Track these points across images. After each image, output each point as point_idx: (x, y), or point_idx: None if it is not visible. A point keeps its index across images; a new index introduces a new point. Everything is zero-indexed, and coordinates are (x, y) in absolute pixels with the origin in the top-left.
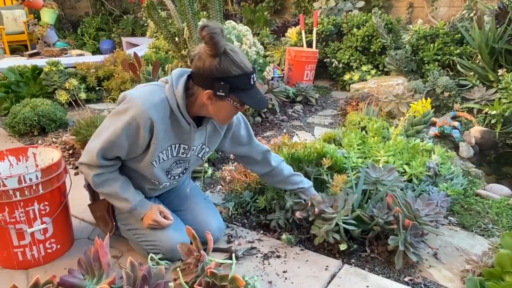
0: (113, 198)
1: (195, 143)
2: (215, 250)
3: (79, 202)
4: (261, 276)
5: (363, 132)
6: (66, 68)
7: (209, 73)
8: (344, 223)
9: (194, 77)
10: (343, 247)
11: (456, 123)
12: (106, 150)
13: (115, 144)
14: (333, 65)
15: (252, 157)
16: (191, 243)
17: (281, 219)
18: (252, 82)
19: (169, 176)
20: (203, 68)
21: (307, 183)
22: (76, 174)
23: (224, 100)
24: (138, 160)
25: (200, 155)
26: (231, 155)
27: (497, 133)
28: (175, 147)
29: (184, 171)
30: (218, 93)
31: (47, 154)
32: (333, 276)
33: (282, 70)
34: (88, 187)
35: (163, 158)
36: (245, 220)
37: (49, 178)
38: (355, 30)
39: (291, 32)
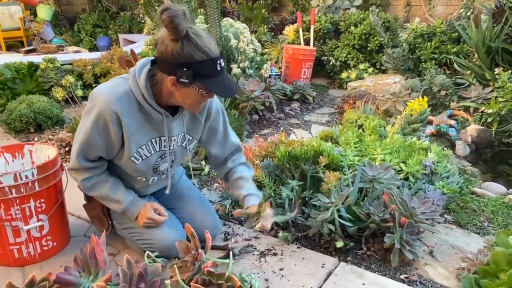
0: (105, 200)
1: (174, 133)
2: (212, 247)
3: (75, 199)
4: (258, 273)
5: (360, 130)
6: (62, 65)
7: (171, 59)
8: (339, 217)
9: (158, 62)
10: (339, 244)
11: (452, 122)
12: (84, 152)
13: (90, 145)
14: (331, 63)
15: (222, 156)
16: (189, 240)
17: (277, 217)
18: (218, 68)
19: (157, 172)
20: (165, 53)
21: (247, 191)
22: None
23: (188, 87)
24: (119, 157)
25: (184, 145)
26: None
27: (494, 131)
28: (155, 141)
29: (172, 164)
30: (181, 79)
31: (43, 151)
32: (329, 274)
33: (279, 68)
34: None
35: (145, 155)
36: (242, 218)
37: (45, 175)
38: (352, 28)
39: (289, 30)
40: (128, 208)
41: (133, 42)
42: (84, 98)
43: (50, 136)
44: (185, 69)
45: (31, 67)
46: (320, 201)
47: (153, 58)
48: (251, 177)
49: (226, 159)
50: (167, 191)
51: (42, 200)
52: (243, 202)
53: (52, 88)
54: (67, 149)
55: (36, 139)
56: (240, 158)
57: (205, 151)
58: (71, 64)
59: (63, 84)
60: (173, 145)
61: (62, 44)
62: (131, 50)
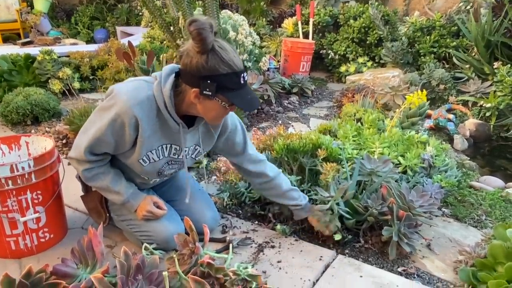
0: (105, 191)
1: (187, 144)
2: (210, 240)
3: (72, 191)
4: (255, 266)
5: (359, 123)
6: (59, 57)
7: (196, 71)
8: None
9: (182, 74)
10: (337, 237)
11: (451, 116)
12: (93, 146)
13: (101, 141)
14: (329, 56)
15: (245, 167)
16: (187, 234)
17: (275, 209)
18: (242, 82)
19: (161, 175)
20: (190, 65)
21: (304, 199)
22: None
23: (211, 99)
24: (126, 156)
25: (193, 156)
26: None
27: (492, 126)
28: (166, 147)
29: (177, 171)
30: (205, 92)
31: (40, 143)
32: (327, 266)
33: (278, 61)
34: (80, 178)
35: (153, 158)
36: (240, 211)
37: (42, 167)
38: (351, 21)
39: (288, 23)
40: (128, 201)
41: (131, 35)
42: (82, 90)
43: (47, 129)
44: (209, 81)
45: (28, 59)
46: (319, 194)
47: (177, 68)
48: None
49: (261, 171)
50: (186, 200)
51: (39, 191)
52: (302, 210)
53: (49, 81)
54: (64, 141)
55: (33, 131)
56: (275, 167)
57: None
58: (68, 56)
59: (60, 77)
60: (183, 156)
61: (59, 36)
62: (129, 42)
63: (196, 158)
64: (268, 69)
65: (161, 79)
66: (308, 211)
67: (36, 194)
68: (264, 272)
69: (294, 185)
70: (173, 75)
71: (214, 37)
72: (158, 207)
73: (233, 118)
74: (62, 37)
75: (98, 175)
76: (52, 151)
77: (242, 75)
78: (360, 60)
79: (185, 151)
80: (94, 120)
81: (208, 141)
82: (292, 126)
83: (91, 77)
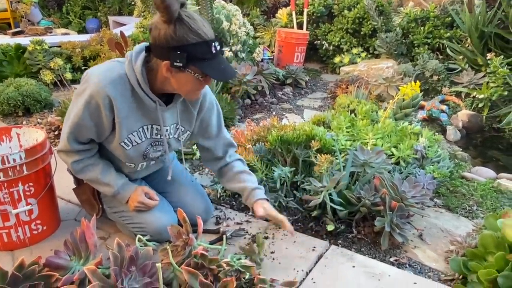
0: (95, 183)
1: (166, 123)
2: (204, 231)
3: (65, 183)
4: (249, 257)
5: (352, 115)
6: (50, 47)
7: (164, 42)
8: (331, 201)
9: (152, 48)
10: (330, 227)
11: (444, 107)
12: (75, 133)
13: (81, 126)
14: (324, 47)
15: (215, 151)
16: (181, 225)
17: (269, 201)
18: (213, 51)
19: (146, 158)
20: (158, 37)
21: (252, 184)
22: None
23: (183, 71)
24: (109, 141)
25: (176, 136)
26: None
27: (484, 117)
28: (147, 128)
29: (164, 154)
30: (175, 63)
31: (31, 134)
32: (320, 257)
33: (272, 52)
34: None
35: (135, 141)
36: (234, 202)
37: (34, 159)
38: (346, 11)
39: (282, 13)
40: (119, 192)
41: (123, 25)
42: (74, 81)
43: (38, 120)
44: (178, 52)
45: (19, 50)
46: (312, 185)
47: (147, 44)
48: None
49: (222, 154)
50: (169, 177)
51: (31, 183)
52: (249, 195)
53: (40, 71)
54: (56, 132)
55: (24, 122)
56: (236, 154)
57: (197, 146)
58: (59, 46)
59: (52, 67)
60: (166, 135)
61: (50, 26)
62: (121, 32)
63: (180, 139)
64: (262, 60)
65: (132, 57)
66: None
67: (28, 186)
68: (258, 263)
69: (288, 176)
70: (143, 52)
71: (181, 8)
72: (150, 198)
73: (211, 98)
74: (53, 27)
75: (87, 167)
76: (44, 143)
77: (213, 44)
78: (354, 51)
79: (166, 130)
80: (72, 107)
81: (187, 119)
82: (286, 117)
83: (83, 68)
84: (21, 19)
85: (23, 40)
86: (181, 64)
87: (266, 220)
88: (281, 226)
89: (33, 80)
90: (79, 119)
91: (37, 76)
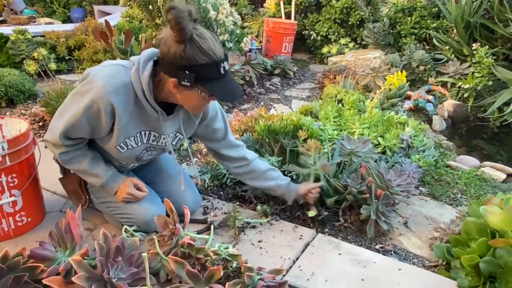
0: (83, 174)
1: (166, 131)
2: (192, 221)
3: (50, 174)
4: (236, 246)
5: (340, 105)
6: (34, 37)
7: (173, 61)
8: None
9: (160, 63)
10: (311, 213)
11: (430, 97)
12: (68, 132)
13: (76, 127)
14: (312, 37)
15: (224, 153)
16: (168, 215)
17: (256, 190)
18: (222, 72)
19: (139, 160)
20: (167, 54)
21: (286, 179)
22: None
23: (191, 90)
24: (103, 141)
25: (174, 143)
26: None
27: (469, 106)
28: (145, 134)
29: (156, 157)
30: (183, 82)
31: (14, 125)
32: (307, 245)
33: (260, 42)
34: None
35: (131, 145)
36: (221, 192)
37: (17, 150)
38: (334, 1)
39: (270, 3)
40: (108, 183)
41: (109, 14)
42: (58, 71)
43: (22, 111)
44: (187, 72)
45: (1, 39)
46: (302, 160)
47: (157, 52)
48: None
49: (241, 155)
50: (182, 188)
51: (14, 175)
52: (288, 189)
53: (24, 61)
54: (40, 123)
55: (8, 114)
56: (253, 153)
57: (208, 150)
58: (43, 36)
59: (35, 57)
60: (163, 143)
61: (34, 15)
62: (106, 21)
63: (177, 145)
64: (250, 50)
65: (139, 65)
66: (296, 191)
67: (11, 177)
68: (245, 252)
69: (275, 166)
70: (152, 62)
71: (194, 24)
72: (139, 189)
73: (213, 105)
74: (37, 16)
75: (76, 158)
76: (27, 133)
77: (222, 64)
78: (342, 41)
79: (164, 138)
80: (70, 105)
81: (189, 128)
82: (274, 107)
83: (67, 58)
84: (3, 8)
85: (6, 30)
86: (188, 84)
87: (254, 209)
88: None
89: (16, 71)
90: (76, 120)
91: (21, 66)
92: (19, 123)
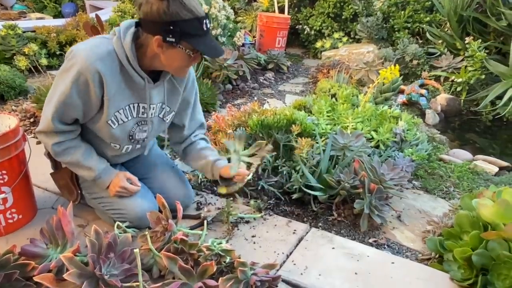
0: (76, 167)
1: (153, 101)
2: (185, 217)
3: (41, 171)
4: (230, 241)
5: (333, 99)
6: (24, 32)
7: (157, 17)
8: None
9: (143, 24)
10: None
11: (423, 91)
12: (60, 113)
13: (68, 105)
14: (305, 32)
15: (186, 130)
16: (161, 211)
17: (250, 185)
18: (205, 28)
19: (133, 140)
20: (150, 12)
21: (214, 156)
22: (39, 143)
23: (175, 47)
24: (94, 121)
25: (161, 116)
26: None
27: (462, 100)
28: (134, 107)
29: (149, 136)
30: (168, 38)
31: (4, 121)
32: (300, 239)
33: (253, 36)
34: (49, 155)
35: (122, 119)
36: (215, 188)
37: (6, 146)
38: None
39: None
40: (100, 177)
41: (100, 9)
42: (49, 67)
43: (13, 107)
44: (171, 27)
45: None
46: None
47: (137, 20)
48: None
49: (190, 133)
50: (145, 152)
51: (4, 171)
52: (213, 166)
53: (14, 57)
54: (31, 120)
55: None
56: (201, 133)
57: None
58: (34, 31)
59: (26, 53)
60: (151, 114)
61: (24, 10)
62: (96, 15)
63: (164, 119)
64: (243, 45)
65: (120, 33)
66: (218, 170)
67: (1, 174)
68: (239, 247)
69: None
70: (132, 28)
71: None
72: (131, 183)
73: (193, 76)
74: (27, 11)
75: (68, 149)
76: (17, 129)
77: (205, 21)
78: (336, 35)
79: (153, 108)
80: (57, 84)
81: (173, 99)
82: (268, 102)
83: (59, 53)
84: None
85: None
86: (173, 40)
87: (247, 204)
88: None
89: (6, 66)
90: (66, 97)
91: (11, 62)
92: (9, 119)
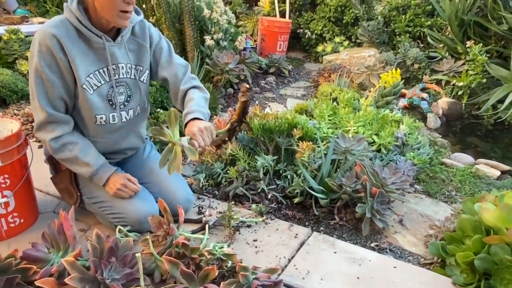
0: (74, 164)
1: (119, 60)
2: (186, 221)
3: (43, 175)
4: (232, 245)
5: (335, 103)
6: (27, 36)
7: None
8: (311, 188)
9: None
10: (297, 199)
11: (424, 95)
12: (44, 94)
13: (46, 82)
14: (306, 36)
15: (176, 79)
16: (162, 215)
17: (238, 189)
18: None
19: (113, 105)
20: None
21: (188, 108)
22: (40, 147)
23: None
24: (77, 96)
25: (138, 77)
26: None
27: (464, 104)
28: (103, 71)
29: (129, 99)
30: None
31: (6, 125)
32: (302, 243)
33: (255, 40)
34: (49, 159)
35: (95, 84)
36: (216, 192)
37: (8, 150)
38: (328, 0)
39: (264, 1)
40: (97, 172)
41: None
42: None
43: (15, 111)
44: None
45: None
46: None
47: None
48: (203, 97)
49: (178, 82)
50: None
51: (6, 175)
52: (184, 120)
53: (16, 61)
54: (33, 124)
55: (0, 114)
56: (191, 81)
57: (158, 81)
58: None
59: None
60: (123, 74)
61: (27, 15)
62: None
63: (142, 79)
64: (245, 49)
65: (68, 2)
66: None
67: (3, 178)
68: (241, 251)
69: (271, 165)
70: None
71: None
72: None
73: (155, 29)
74: (30, 16)
75: (66, 145)
76: (19, 133)
77: None
78: (337, 39)
79: (122, 68)
80: (30, 68)
81: (143, 57)
82: (269, 106)
83: None
84: None
85: None
86: None
87: (249, 208)
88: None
89: (9, 71)
90: (39, 72)
91: (13, 66)
92: (11, 123)
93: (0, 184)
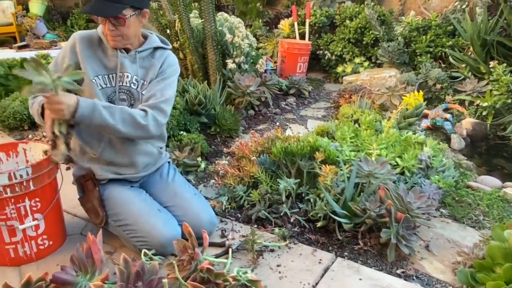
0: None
1: (126, 69)
2: (210, 244)
3: (71, 197)
4: (255, 270)
5: (356, 125)
6: None
7: None
8: (334, 213)
9: None
10: (320, 223)
11: (448, 115)
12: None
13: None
14: (326, 57)
15: (147, 98)
16: (186, 239)
17: (261, 212)
18: None
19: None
20: None
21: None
22: (68, 169)
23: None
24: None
25: (139, 90)
26: None
27: (488, 125)
28: (112, 77)
29: (131, 107)
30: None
31: (38, 149)
32: (326, 269)
33: (275, 62)
34: (77, 180)
35: (101, 85)
36: (239, 214)
37: (40, 174)
38: (348, 21)
39: (284, 24)
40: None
41: None
42: None
43: (44, 134)
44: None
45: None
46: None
47: None
48: (133, 111)
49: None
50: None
51: (37, 199)
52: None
53: None
54: None
55: (30, 136)
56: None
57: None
58: None
59: None
60: (127, 83)
61: (55, 39)
62: None
63: (143, 92)
64: (265, 71)
65: None
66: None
67: (34, 201)
68: (264, 276)
69: (293, 188)
70: None
71: None
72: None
73: (174, 58)
74: (58, 40)
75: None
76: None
77: None
78: (357, 60)
79: (127, 76)
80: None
81: (150, 72)
82: (290, 127)
83: None
84: (26, 33)
85: (29, 54)
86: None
87: (272, 232)
88: None
89: None
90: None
91: None
92: (43, 147)
93: (31, 207)
